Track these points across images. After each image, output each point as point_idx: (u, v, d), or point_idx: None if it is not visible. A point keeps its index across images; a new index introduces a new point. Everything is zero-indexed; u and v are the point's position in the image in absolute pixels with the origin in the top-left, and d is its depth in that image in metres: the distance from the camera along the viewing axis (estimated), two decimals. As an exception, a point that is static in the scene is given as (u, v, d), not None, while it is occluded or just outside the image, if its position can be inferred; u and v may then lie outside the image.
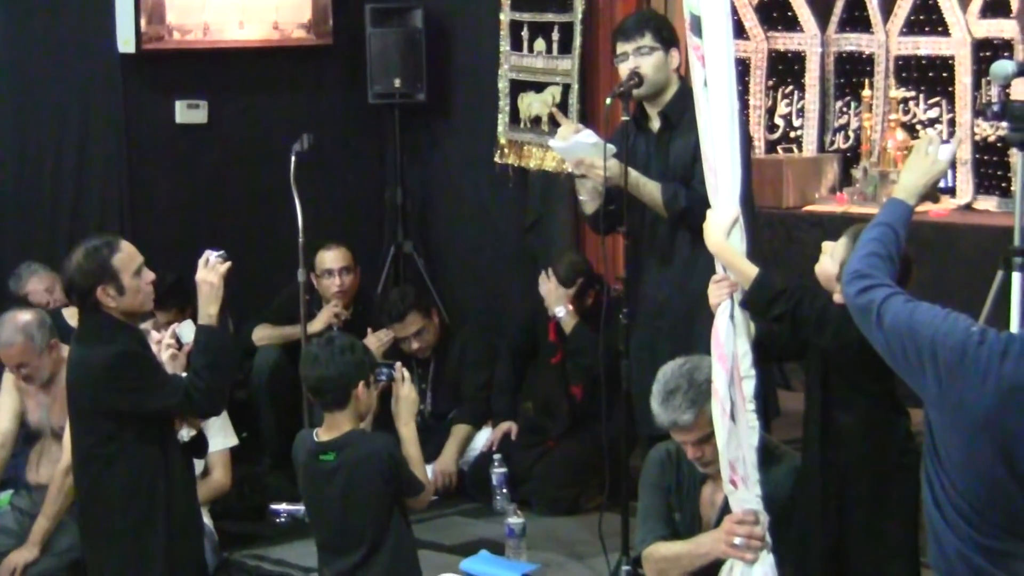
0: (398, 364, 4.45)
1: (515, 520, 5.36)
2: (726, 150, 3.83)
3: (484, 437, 6.31)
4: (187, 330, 4.36)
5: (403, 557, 4.20)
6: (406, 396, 4.36)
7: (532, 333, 6.36)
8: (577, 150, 4.72)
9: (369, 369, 4.22)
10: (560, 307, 5.95)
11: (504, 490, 5.91)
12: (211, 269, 4.29)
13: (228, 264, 4.31)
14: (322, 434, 4.21)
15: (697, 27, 3.81)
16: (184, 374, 4.30)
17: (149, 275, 4.28)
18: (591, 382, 5.85)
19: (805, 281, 4.13)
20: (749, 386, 3.85)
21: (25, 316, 5.21)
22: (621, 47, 4.82)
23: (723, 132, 3.82)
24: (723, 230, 3.83)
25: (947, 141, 3.57)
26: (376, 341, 6.15)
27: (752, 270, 3.80)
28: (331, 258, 6.49)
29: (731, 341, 3.85)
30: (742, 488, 3.87)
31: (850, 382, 3.77)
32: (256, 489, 6.14)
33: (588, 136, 4.71)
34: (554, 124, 6.71)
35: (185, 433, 4.38)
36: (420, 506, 4.36)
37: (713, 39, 3.79)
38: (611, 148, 4.65)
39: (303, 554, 5.51)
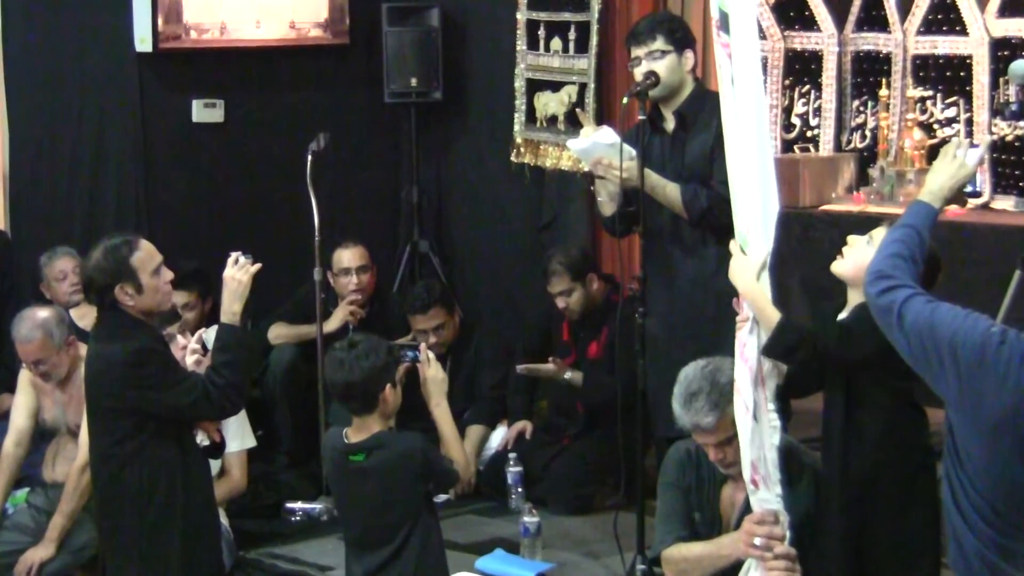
0: (423, 346, 4.42)
1: (530, 519, 5.36)
2: (753, 147, 3.81)
3: (499, 436, 6.31)
4: (213, 336, 4.35)
5: (431, 552, 4.19)
6: (433, 376, 4.33)
7: (546, 333, 6.36)
8: (595, 151, 4.71)
9: (395, 369, 4.20)
10: (568, 373, 6.02)
11: (519, 489, 5.90)
12: (241, 267, 4.28)
13: (259, 265, 4.30)
14: (351, 435, 4.19)
15: (725, 24, 3.81)
16: None
17: (168, 274, 4.28)
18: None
19: (823, 281, 4.12)
20: (772, 386, 3.84)
21: (43, 313, 5.23)
22: (634, 51, 4.83)
23: (750, 129, 3.81)
24: (754, 272, 3.82)
25: (976, 145, 3.56)
26: None
27: (775, 315, 3.79)
28: (348, 256, 6.49)
29: (755, 342, 3.85)
30: (763, 488, 3.86)
31: (876, 380, 3.76)
32: (271, 487, 6.15)
33: (607, 136, 4.70)
34: (571, 123, 6.72)
35: (202, 438, 4.39)
36: (463, 486, 4.34)
37: (741, 36, 3.78)
38: (630, 150, 4.64)
39: (318, 552, 5.52)
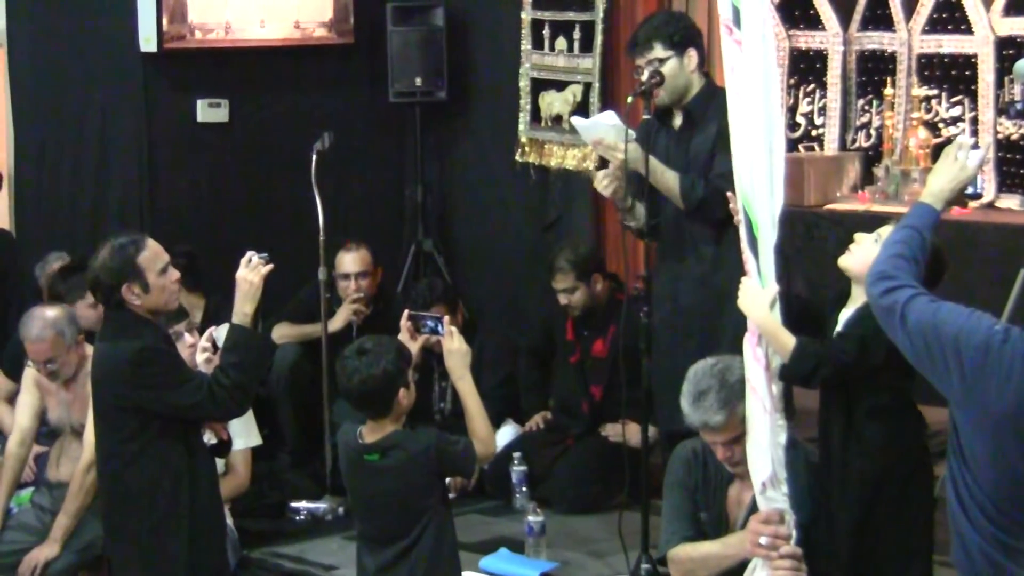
0: (446, 318, 4.36)
1: (534, 518, 5.36)
2: (760, 141, 3.81)
3: (503, 435, 6.30)
4: (223, 334, 4.33)
5: (444, 547, 4.17)
6: (457, 349, 4.25)
7: (549, 333, 6.37)
8: (597, 130, 4.75)
9: (407, 371, 4.16)
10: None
11: (524, 488, 5.90)
12: (253, 268, 4.26)
13: (271, 266, 4.29)
14: (366, 434, 4.16)
15: (737, 18, 3.81)
16: None
17: (174, 274, 4.28)
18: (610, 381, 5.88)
19: (827, 280, 4.12)
20: (778, 385, 3.85)
21: (53, 312, 5.21)
22: (636, 61, 4.85)
23: (758, 123, 3.80)
24: (766, 304, 3.83)
25: (977, 147, 3.56)
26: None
27: (790, 342, 3.80)
28: (349, 261, 6.48)
29: (765, 341, 3.85)
30: (770, 487, 3.86)
31: (876, 380, 3.76)
32: (275, 487, 6.15)
33: (610, 118, 4.73)
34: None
35: (209, 437, 4.38)
36: (486, 462, 4.32)
37: (753, 30, 3.78)
38: (631, 133, 4.66)
39: (323, 552, 5.52)
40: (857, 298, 3.83)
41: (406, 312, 4.43)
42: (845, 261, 3.86)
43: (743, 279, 3.93)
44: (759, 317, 3.85)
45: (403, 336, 4.33)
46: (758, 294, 3.85)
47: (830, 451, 3.90)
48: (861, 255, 3.77)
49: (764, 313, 3.83)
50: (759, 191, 3.80)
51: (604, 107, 6.66)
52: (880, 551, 3.81)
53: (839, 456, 3.85)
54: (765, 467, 3.85)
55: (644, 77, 4.79)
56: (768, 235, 3.81)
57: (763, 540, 3.86)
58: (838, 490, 3.84)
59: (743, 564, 4.00)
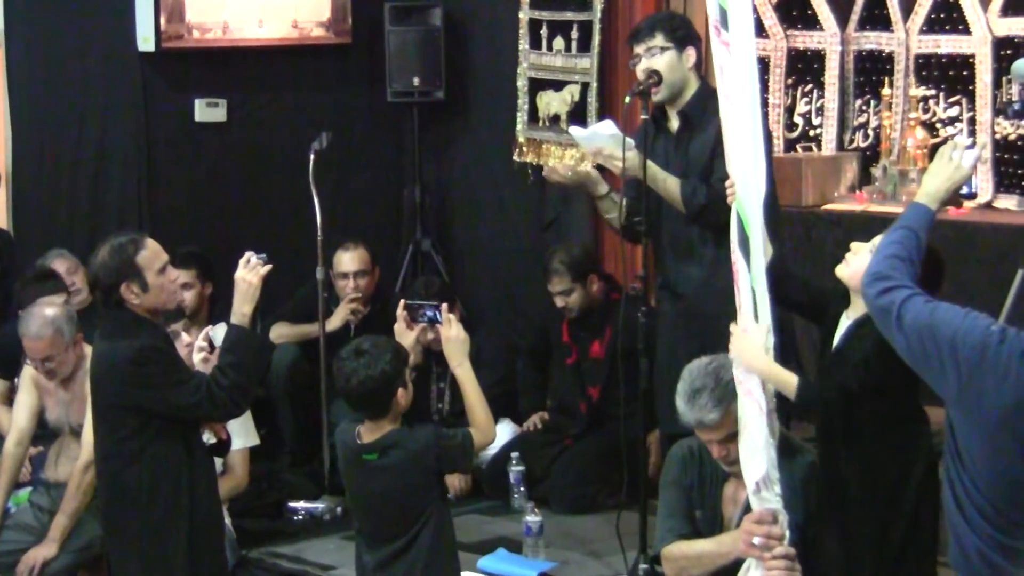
0: (444, 306, 4.36)
1: (533, 518, 5.36)
2: (749, 141, 3.82)
3: (500, 434, 6.29)
4: (220, 333, 4.33)
5: (443, 544, 4.18)
6: (455, 336, 4.25)
7: (546, 334, 6.37)
8: (596, 140, 4.76)
9: (404, 371, 4.16)
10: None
11: (521, 488, 5.91)
12: (251, 269, 4.26)
13: (269, 267, 4.29)
14: (364, 434, 4.17)
15: (725, 20, 3.82)
16: None
17: (173, 273, 4.28)
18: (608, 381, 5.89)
19: (825, 281, 4.13)
20: (772, 387, 3.85)
21: (52, 309, 5.21)
22: (635, 49, 4.87)
23: (745, 125, 3.81)
24: (762, 351, 3.81)
25: (972, 147, 3.56)
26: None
27: (792, 380, 3.80)
28: (348, 260, 6.49)
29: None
30: (763, 487, 3.86)
31: (878, 390, 3.77)
32: (274, 486, 6.15)
33: (608, 127, 4.74)
34: (573, 123, 6.73)
35: (208, 436, 4.38)
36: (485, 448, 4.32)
37: (740, 33, 3.79)
38: (630, 141, 4.67)
39: (321, 551, 5.53)
40: (857, 307, 3.83)
41: (402, 302, 4.43)
42: (842, 271, 3.86)
43: (732, 327, 3.90)
44: (758, 366, 3.83)
45: (399, 326, 4.33)
46: (752, 343, 3.84)
47: (836, 462, 3.90)
48: (857, 265, 3.77)
49: (762, 361, 3.82)
50: (749, 190, 3.81)
51: (602, 107, 6.69)
52: (898, 556, 3.81)
53: (848, 468, 3.85)
54: (759, 468, 3.85)
55: (641, 66, 4.80)
56: (758, 235, 3.82)
57: (756, 540, 3.87)
58: (856, 499, 3.84)
59: (737, 563, 4.01)
